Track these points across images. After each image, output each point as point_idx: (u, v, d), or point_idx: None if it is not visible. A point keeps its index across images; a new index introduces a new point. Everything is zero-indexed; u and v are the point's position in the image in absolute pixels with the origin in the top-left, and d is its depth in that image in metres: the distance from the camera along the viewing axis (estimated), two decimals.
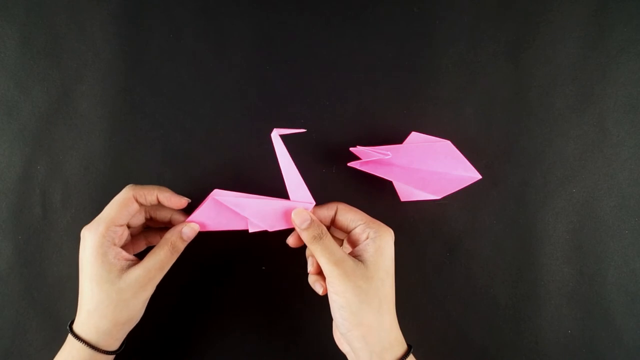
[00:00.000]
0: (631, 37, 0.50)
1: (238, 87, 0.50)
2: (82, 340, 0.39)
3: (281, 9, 0.50)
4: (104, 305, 0.39)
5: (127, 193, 0.41)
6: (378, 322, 0.39)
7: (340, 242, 0.45)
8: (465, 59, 0.50)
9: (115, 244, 0.40)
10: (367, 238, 0.41)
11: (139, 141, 0.50)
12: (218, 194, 0.42)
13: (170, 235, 0.42)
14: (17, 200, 0.49)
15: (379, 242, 0.40)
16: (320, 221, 0.42)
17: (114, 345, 0.41)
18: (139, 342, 0.46)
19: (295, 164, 0.42)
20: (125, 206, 0.41)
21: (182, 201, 0.43)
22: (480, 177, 0.46)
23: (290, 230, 0.43)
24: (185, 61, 0.50)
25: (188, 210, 0.44)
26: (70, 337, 0.40)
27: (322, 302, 0.41)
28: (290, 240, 0.44)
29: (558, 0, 0.50)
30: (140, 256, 0.42)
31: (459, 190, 0.46)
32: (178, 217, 0.45)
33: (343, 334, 0.40)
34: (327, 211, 0.43)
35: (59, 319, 0.49)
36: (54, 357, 0.41)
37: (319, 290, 0.42)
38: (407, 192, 0.48)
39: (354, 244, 0.42)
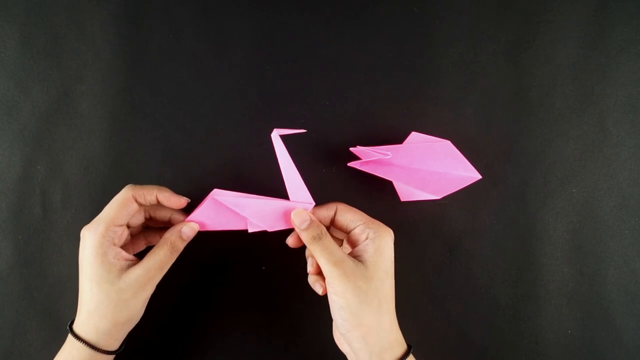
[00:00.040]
0: (631, 37, 0.50)
1: (238, 87, 0.50)
2: (82, 340, 0.39)
3: (281, 9, 0.50)
4: (103, 305, 0.39)
5: (126, 193, 0.42)
6: (378, 322, 0.39)
7: (339, 243, 0.45)
8: (465, 59, 0.50)
9: (114, 244, 0.40)
10: (367, 238, 0.41)
11: (139, 141, 0.50)
12: (217, 194, 0.42)
13: (170, 235, 0.42)
14: (17, 200, 0.49)
15: (379, 243, 0.40)
16: (320, 221, 0.42)
17: (114, 345, 0.41)
18: (139, 342, 0.46)
19: (295, 164, 0.42)
20: (124, 206, 0.41)
21: (182, 201, 0.43)
22: (480, 177, 0.46)
23: (290, 230, 0.43)
24: (185, 61, 0.50)
25: (187, 210, 0.44)
26: (70, 337, 0.40)
27: (322, 302, 0.41)
28: (290, 241, 0.44)
29: (558, 0, 0.50)
30: (140, 256, 0.42)
31: (459, 190, 0.46)
32: (177, 216, 0.45)
33: (343, 334, 0.40)
34: (327, 211, 0.43)
35: (59, 319, 0.49)
36: (54, 357, 0.41)
37: (319, 291, 0.42)
38: (407, 192, 0.48)
39: (353, 244, 0.42)
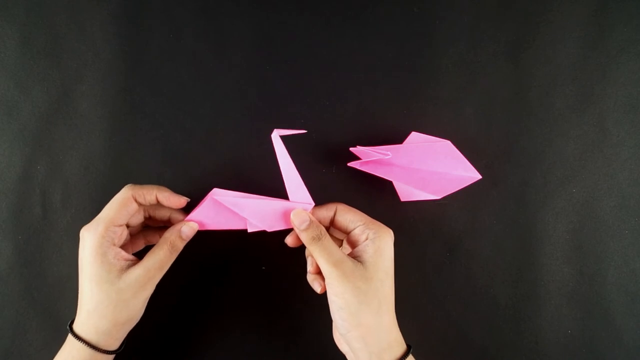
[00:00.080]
0: (631, 37, 0.50)
1: (238, 87, 0.50)
2: (82, 340, 0.39)
3: (281, 9, 0.50)
4: (103, 306, 0.39)
5: (126, 193, 0.42)
6: (377, 323, 0.39)
7: (339, 243, 0.45)
8: (465, 59, 0.50)
9: (114, 244, 0.40)
10: (367, 239, 0.41)
11: (139, 141, 0.50)
12: (217, 194, 0.42)
13: (169, 235, 0.42)
14: (17, 200, 0.49)
15: (379, 243, 0.40)
16: (320, 222, 0.42)
17: (114, 345, 0.41)
18: (139, 342, 0.46)
19: (295, 165, 0.42)
20: (124, 206, 0.41)
21: (181, 200, 0.43)
22: (480, 177, 0.46)
23: (290, 230, 0.43)
24: (185, 61, 0.50)
25: (187, 209, 0.44)
26: (70, 337, 0.40)
27: (322, 302, 0.41)
28: (289, 240, 0.44)
29: (558, 0, 0.50)
30: (140, 255, 0.42)
31: (459, 190, 0.46)
32: (177, 215, 0.45)
33: (342, 335, 0.40)
34: (327, 212, 0.43)
35: (59, 319, 0.49)
36: (54, 357, 0.41)
37: (317, 289, 0.42)
38: (407, 192, 0.48)
39: (353, 244, 0.42)
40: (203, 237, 0.43)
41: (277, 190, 0.44)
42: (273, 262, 0.49)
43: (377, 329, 0.39)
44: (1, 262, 0.49)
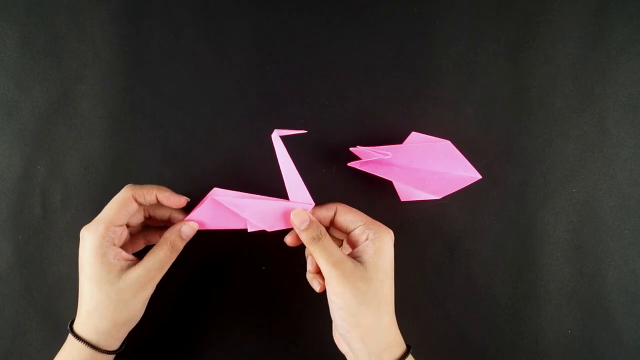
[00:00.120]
0: (631, 37, 0.50)
1: (238, 87, 0.50)
2: (82, 340, 0.39)
3: (281, 9, 0.50)
4: (103, 306, 0.39)
5: (126, 193, 0.41)
6: (376, 323, 0.39)
7: (339, 243, 0.45)
8: (465, 59, 0.50)
9: (114, 244, 0.40)
10: (367, 239, 0.41)
11: (139, 141, 0.50)
12: (217, 194, 0.42)
13: (170, 235, 0.42)
14: (17, 200, 0.49)
15: (379, 244, 0.40)
16: (320, 222, 0.42)
17: (115, 345, 0.41)
18: (139, 342, 0.46)
19: (295, 165, 0.42)
20: (124, 206, 0.41)
21: (182, 200, 0.43)
22: (480, 177, 0.46)
23: (290, 229, 0.43)
24: (185, 61, 0.50)
25: (187, 209, 0.44)
26: (70, 337, 0.40)
27: (322, 302, 0.41)
28: (288, 239, 0.44)
29: (558, 0, 0.50)
30: (139, 255, 0.42)
31: (459, 190, 0.46)
32: (177, 215, 0.45)
33: (342, 335, 0.40)
34: (327, 212, 0.43)
35: (59, 319, 0.49)
36: (54, 357, 0.41)
37: (317, 288, 0.42)
38: (407, 192, 0.48)
39: (353, 245, 0.42)
40: (203, 237, 0.43)
41: (277, 190, 0.44)
42: (273, 262, 0.49)
43: (377, 329, 0.39)
44: (1, 262, 0.49)
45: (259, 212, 0.42)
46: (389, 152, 0.45)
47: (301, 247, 0.44)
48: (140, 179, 0.49)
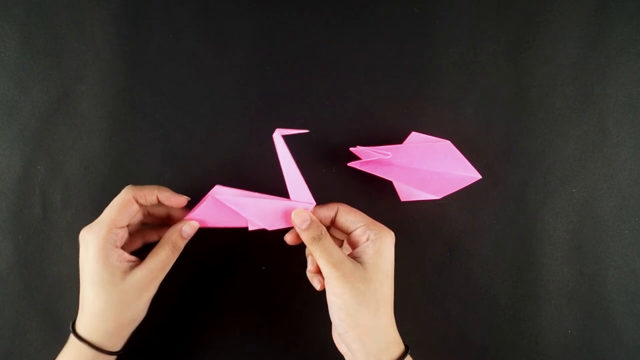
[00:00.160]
0: (631, 37, 0.50)
1: (238, 87, 0.50)
2: (86, 342, 0.39)
3: (281, 9, 0.50)
4: (108, 308, 0.39)
5: (127, 194, 0.41)
6: (375, 324, 0.39)
7: (340, 243, 0.45)
8: (465, 59, 0.50)
9: (117, 246, 0.40)
10: (368, 240, 0.41)
11: (139, 141, 0.50)
12: (219, 192, 0.42)
13: (171, 235, 0.42)
14: (17, 200, 0.49)
15: (379, 245, 0.40)
16: (321, 221, 0.42)
17: (118, 345, 0.41)
18: (139, 342, 0.46)
19: (296, 165, 0.42)
20: (125, 208, 0.41)
21: (182, 200, 0.43)
22: (480, 177, 0.46)
23: (290, 228, 0.43)
24: (185, 61, 0.50)
25: (188, 206, 0.44)
26: (72, 338, 0.40)
27: (322, 302, 0.41)
28: (288, 238, 0.44)
29: (558, 0, 0.50)
30: (137, 253, 0.42)
31: (459, 190, 0.46)
32: (177, 213, 0.45)
33: (340, 335, 0.40)
34: (328, 211, 0.43)
35: (59, 319, 0.49)
36: (54, 357, 0.41)
37: (317, 286, 0.42)
38: (407, 192, 0.48)
39: (354, 245, 0.42)
40: (203, 238, 0.43)
41: (278, 190, 0.44)
42: (273, 262, 0.49)
43: (375, 330, 0.39)
44: (1, 262, 0.49)
45: (260, 211, 0.42)
46: (389, 152, 0.45)
47: (301, 247, 0.44)
48: (140, 179, 0.49)
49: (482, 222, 0.50)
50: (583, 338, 0.49)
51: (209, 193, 0.42)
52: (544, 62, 0.50)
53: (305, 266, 0.44)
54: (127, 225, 0.43)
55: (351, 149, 0.47)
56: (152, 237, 0.46)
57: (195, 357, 0.49)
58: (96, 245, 0.39)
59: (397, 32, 0.50)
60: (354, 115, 0.50)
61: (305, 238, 0.41)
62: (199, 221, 0.43)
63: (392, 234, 0.42)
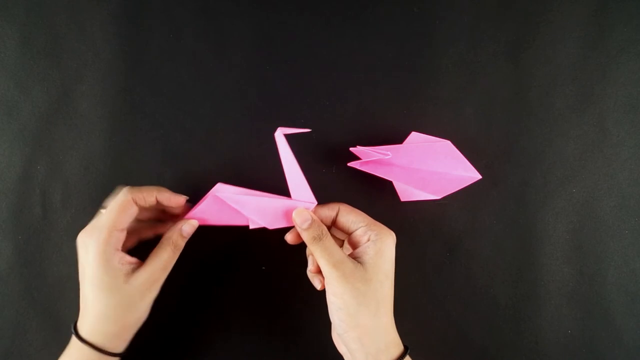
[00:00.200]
0: (631, 37, 0.50)
1: (238, 87, 0.50)
2: (89, 344, 0.39)
3: (281, 9, 0.50)
4: (111, 311, 0.39)
5: (125, 196, 0.41)
6: (375, 324, 0.39)
7: (340, 243, 0.45)
8: (465, 59, 0.50)
9: (117, 249, 0.40)
10: (368, 240, 0.41)
11: (139, 141, 0.50)
12: (220, 190, 0.42)
13: (171, 234, 0.42)
14: (17, 200, 0.49)
15: (380, 245, 0.40)
16: (321, 221, 0.42)
17: (121, 346, 0.41)
18: (139, 342, 0.46)
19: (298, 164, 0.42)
20: (125, 210, 0.41)
21: (181, 199, 0.43)
22: (480, 177, 0.46)
23: (291, 227, 0.43)
24: (185, 61, 0.50)
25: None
26: (74, 340, 0.40)
27: (322, 302, 0.41)
28: (289, 237, 0.44)
29: (558, 0, 0.50)
30: (133, 252, 0.41)
31: (459, 190, 0.46)
32: (176, 209, 0.44)
33: (340, 335, 0.40)
34: (329, 211, 0.43)
35: (59, 319, 0.49)
36: (54, 357, 0.41)
37: (317, 285, 0.42)
38: (407, 192, 0.48)
39: (354, 245, 0.42)
40: (203, 238, 0.43)
41: (278, 190, 0.44)
42: (273, 262, 0.49)
43: (375, 330, 0.39)
44: (1, 262, 0.49)
45: (261, 210, 0.42)
46: (389, 152, 0.45)
47: (302, 247, 0.44)
48: (140, 179, 0.49)
49: (482, 222, 0.50)
50: (583, 338, 0.49)
51: (211, 190, 0.42)
52: (544, 62, 0.50)
53: (306, 266, 0.44)
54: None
55: (351, 149, 0.47)
56: (147, 234, 0.46)
57: (196, 357, 0.49)
58: (97, 249, 0.39)
59: (397, 32, 0.50)
60: (354, 115, 0.50)
61: (306, 238, 0.41)
62: (200, 219, 0.43)
63: (393, 234, 0.42)
